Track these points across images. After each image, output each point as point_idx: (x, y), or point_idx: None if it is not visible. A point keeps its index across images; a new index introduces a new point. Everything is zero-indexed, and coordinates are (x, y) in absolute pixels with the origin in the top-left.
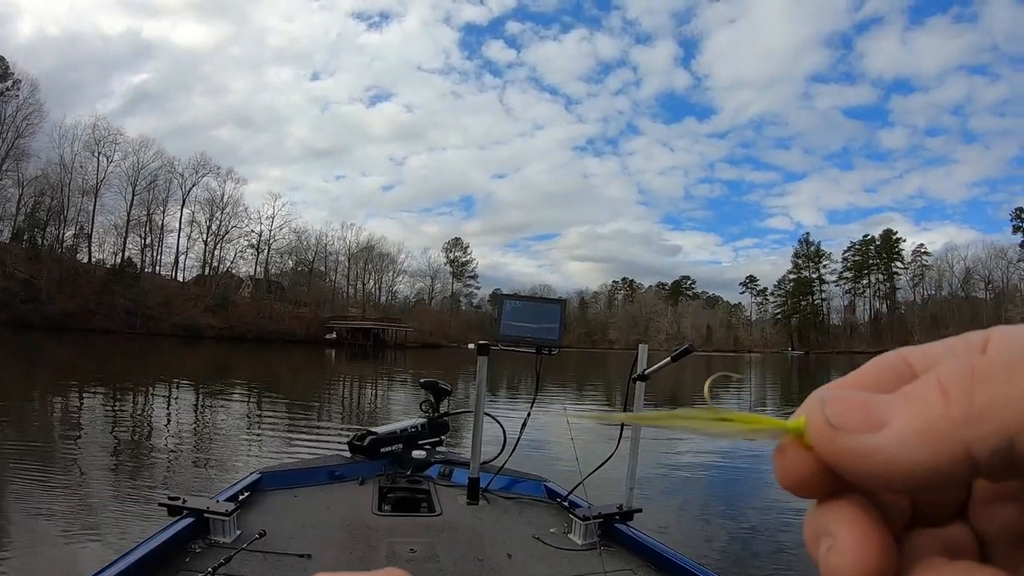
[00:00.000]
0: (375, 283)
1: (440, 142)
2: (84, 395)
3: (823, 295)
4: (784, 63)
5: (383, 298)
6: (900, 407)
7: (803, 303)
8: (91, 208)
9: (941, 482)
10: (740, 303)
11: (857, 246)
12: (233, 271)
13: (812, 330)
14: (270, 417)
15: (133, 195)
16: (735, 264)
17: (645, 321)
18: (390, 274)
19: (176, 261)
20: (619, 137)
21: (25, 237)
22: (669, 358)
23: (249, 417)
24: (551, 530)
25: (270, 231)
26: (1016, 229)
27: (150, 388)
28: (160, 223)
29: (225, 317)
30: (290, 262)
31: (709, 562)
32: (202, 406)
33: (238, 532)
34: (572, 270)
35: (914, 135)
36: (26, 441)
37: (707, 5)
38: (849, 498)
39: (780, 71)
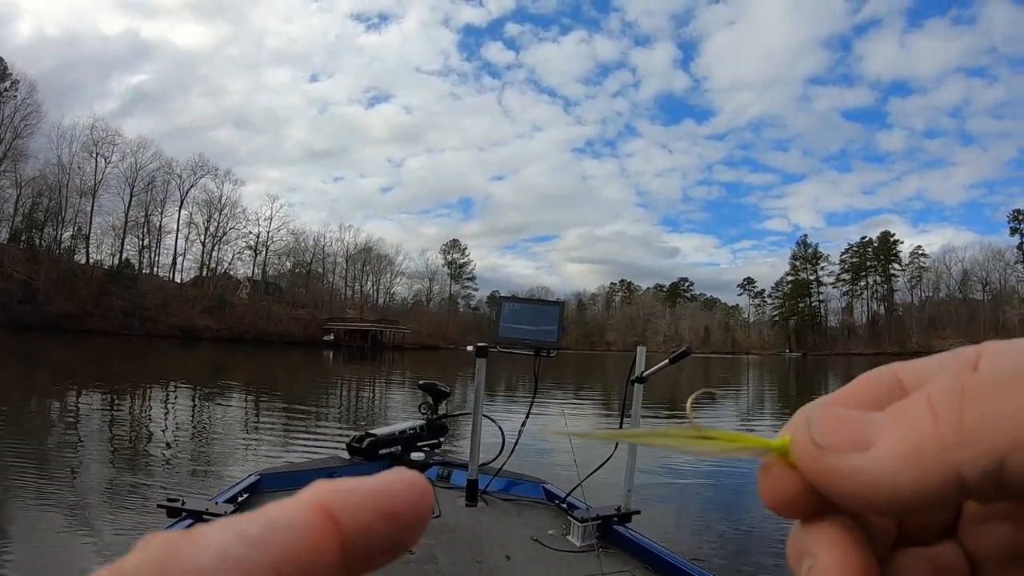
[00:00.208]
0: (373, 285)
1: (439, 144)
2: (82, 397)
3: (821, 297)
4: (783, 65)
5: (381, 300)
6: (889, 426)
7: (801, 305)
8: (89, 209)
9: (928, 505)
10: (738, 305)
11: (855, 248)
12: (231, 273)
13: (810, 332)
14: (268, 419)
15: (131, 196)
16: (733, 266)
17: (643, 323)
18: (388, 276)
19: (174, 262)
20: (618, 139)
21: (23, 238)
22: (667, 360)
23: (247, 419)
24: (549, 532)
25: (268, 232)
26: (1014, 231)
27: (148, 390)
28: (158, 224)
29: (223, 318)
30: (288, 264)
31: (707, 564)
32: (200, 408)
33: None
34: (570, 272)
35: (912, 137)
36: (24, 443)
37: (706, 7)
38: (832, 519)
39: (779, 73)
